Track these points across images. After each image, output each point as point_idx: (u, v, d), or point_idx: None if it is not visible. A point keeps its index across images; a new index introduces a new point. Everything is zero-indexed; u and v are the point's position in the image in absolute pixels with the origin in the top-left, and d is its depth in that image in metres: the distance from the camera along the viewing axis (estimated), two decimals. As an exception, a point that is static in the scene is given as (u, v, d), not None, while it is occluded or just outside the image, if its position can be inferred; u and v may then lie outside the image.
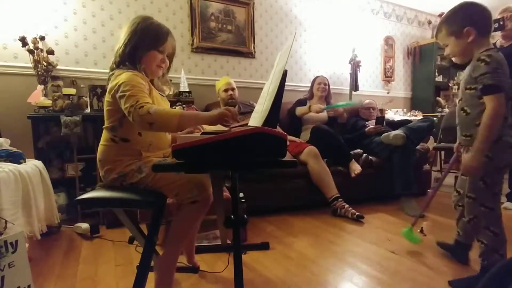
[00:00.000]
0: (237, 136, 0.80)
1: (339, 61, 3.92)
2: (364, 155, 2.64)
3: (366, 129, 2.81)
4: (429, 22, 4.80)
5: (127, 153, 1.15)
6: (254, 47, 3.32)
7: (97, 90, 2.25)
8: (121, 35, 1.20)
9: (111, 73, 1.18)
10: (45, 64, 2.26)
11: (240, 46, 3.24)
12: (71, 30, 2.49)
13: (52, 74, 2.34)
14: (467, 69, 1.30)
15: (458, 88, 4.32)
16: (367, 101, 3.20)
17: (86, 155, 2.20)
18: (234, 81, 2.68)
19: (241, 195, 1.76)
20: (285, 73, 0.86)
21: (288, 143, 1.99)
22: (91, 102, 2.25)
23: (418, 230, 1.67)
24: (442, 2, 4.14)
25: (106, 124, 1.17)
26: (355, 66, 3.79)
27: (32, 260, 1.50)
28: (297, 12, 3.61)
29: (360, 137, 2.84)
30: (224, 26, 3.13)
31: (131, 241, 1.82)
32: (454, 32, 1.30)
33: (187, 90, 2.73)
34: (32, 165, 1.72)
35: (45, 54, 2.27)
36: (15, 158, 1.64)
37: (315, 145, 2.45)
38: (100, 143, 1.18)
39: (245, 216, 1.05)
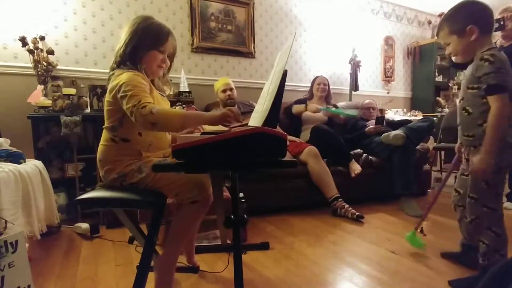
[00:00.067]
0: (237, 136, 0.80)
1: (339, 61, 3.92)
2: (364, 155, 2.64)
3: (366, 129, 2.81)
4: (429, 22, 4.80)
5: (127, 153, 1.15)
6: (254, 47, 3.32)
7: (97, 90, 2.25)
8: (122, 35, 1.20)
9: (111, 73, 1.17)
10: (45, 64, 2.26)
11: (240, 46, 3.24)
12: (71, 30, 2.49)
13: (52, 74, 2.34)
14: (469, 68, 1.28)
15: (458, 88, 4.32)
16: (367, 101, 3.20)
17: (86, 155, 2.20)
18: (234, 81, 2.68)
19: (241, 195, 1.76)
20: (285, 73, 0.86)
21: (288, 143, 1.99)
22: (91, 102, 2.25)
23: (418, 230, 1.67)
24: (442, 2, 4.14)
25: (106, 124, 1.17)
26: (355, 66, 3.80)
27: (32, 260, 1.49)
28: (297, 12, 3.61)
29: (360, 137, 2.84)
30: (224, 26, 3.13)
31: (131, 241, 1.82)
32: (456, 30, 1.28)
33: (187, 90, 2.74)
34: (32, 165, 1.72)
35: (45, 54, 2.27)
36: (15, 158, 1.64)
37: (315, 145, 2.45)
38: (100, 143, 1.18)
39: (245, 216, 1.05)
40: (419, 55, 4.63)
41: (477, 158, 1.23)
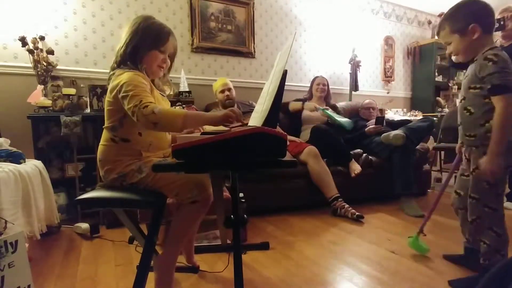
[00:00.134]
0: (237, 136, 0.80)
1: (339, 61, 3.92)
2: (364, 155, 2.64)
3: (366, 129, 2.81)
4: (429, 22, 4.80)
5: (127, 153, 1.15)
6: (254, 47, 3.32)
7: (97, 90, 2.25)
8: (122, 35, 1.20)
9: (112, 72, 1.17)
10: (45, 64, 2.26)
11: (240, 46, 3.24)
12: (71, 30, 2.49)
13: (52, 74, 2.34)
14: (471, 68, 1.27)
15: (458, 88, 4.33)
16: (367, 101, 3.20)
17: (86, 155, 2.20)
18: (234, 81, 2.68)
19: (241, 195, 1.76)
20: (285, 73, 0.86)
21: (288, 143, 1.99)
22: (91, 102, 2.25)
23: (418, 230, 1.67)
24: (442, 2, 4.13)
25: (106, 124, 1.17)
26: (355, 66, 3.80)
27: (32, 260, 1.49)
28: (297, 12, 3.61)
29: (360, 137, 2.84)
30: (224, 26, 3.13)
31: (131, 241, 1.82)
32: (458, 29, 1.26)
33: (187, 90, 2.74)
34: (32, 165, 1.72)
35: (45, 54, 2.27)
36: (15, 158, 1.64)
37: (315, 145, 2.46)
38: (100, 143, 1.18)
39: (245, 216, 1.04)
40: (419, 55, 4.64)
41: (484, 159, 1.22)
